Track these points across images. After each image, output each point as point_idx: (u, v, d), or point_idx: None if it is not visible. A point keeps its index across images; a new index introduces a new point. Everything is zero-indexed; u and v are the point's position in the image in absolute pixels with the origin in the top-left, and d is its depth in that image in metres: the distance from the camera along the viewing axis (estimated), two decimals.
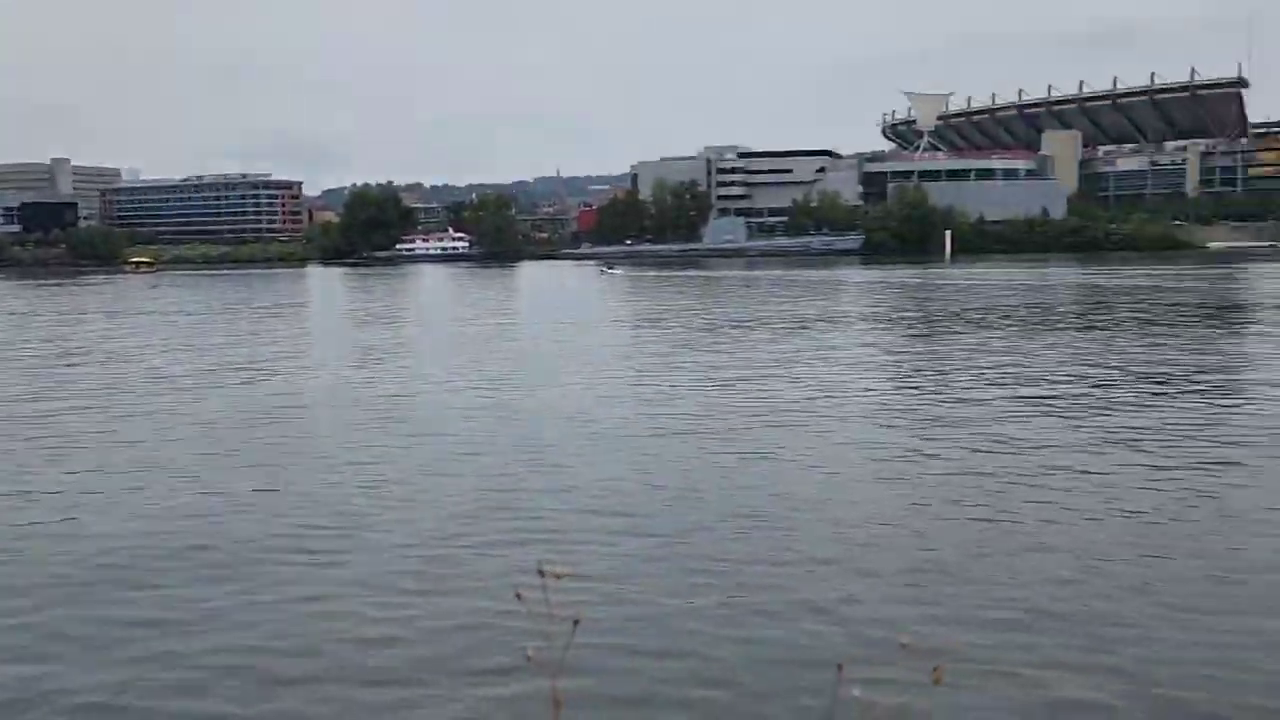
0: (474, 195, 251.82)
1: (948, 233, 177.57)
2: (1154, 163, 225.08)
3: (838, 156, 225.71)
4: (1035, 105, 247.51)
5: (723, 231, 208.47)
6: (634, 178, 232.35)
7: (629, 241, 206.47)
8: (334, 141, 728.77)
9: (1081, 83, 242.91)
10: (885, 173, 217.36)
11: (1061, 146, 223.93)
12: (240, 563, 16.70)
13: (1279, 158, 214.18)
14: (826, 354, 44.04)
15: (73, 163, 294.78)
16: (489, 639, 13.27)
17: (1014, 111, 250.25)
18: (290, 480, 22.23)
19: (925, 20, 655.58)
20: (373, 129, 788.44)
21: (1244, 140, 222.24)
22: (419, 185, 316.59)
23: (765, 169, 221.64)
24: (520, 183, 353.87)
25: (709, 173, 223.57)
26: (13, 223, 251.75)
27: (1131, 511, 18.69)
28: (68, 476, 22.96)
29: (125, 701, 12.08)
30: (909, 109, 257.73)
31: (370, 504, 20.06)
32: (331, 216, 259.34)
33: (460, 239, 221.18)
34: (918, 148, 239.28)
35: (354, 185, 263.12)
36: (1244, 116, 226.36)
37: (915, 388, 34.67)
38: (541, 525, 18.35)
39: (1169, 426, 26.40)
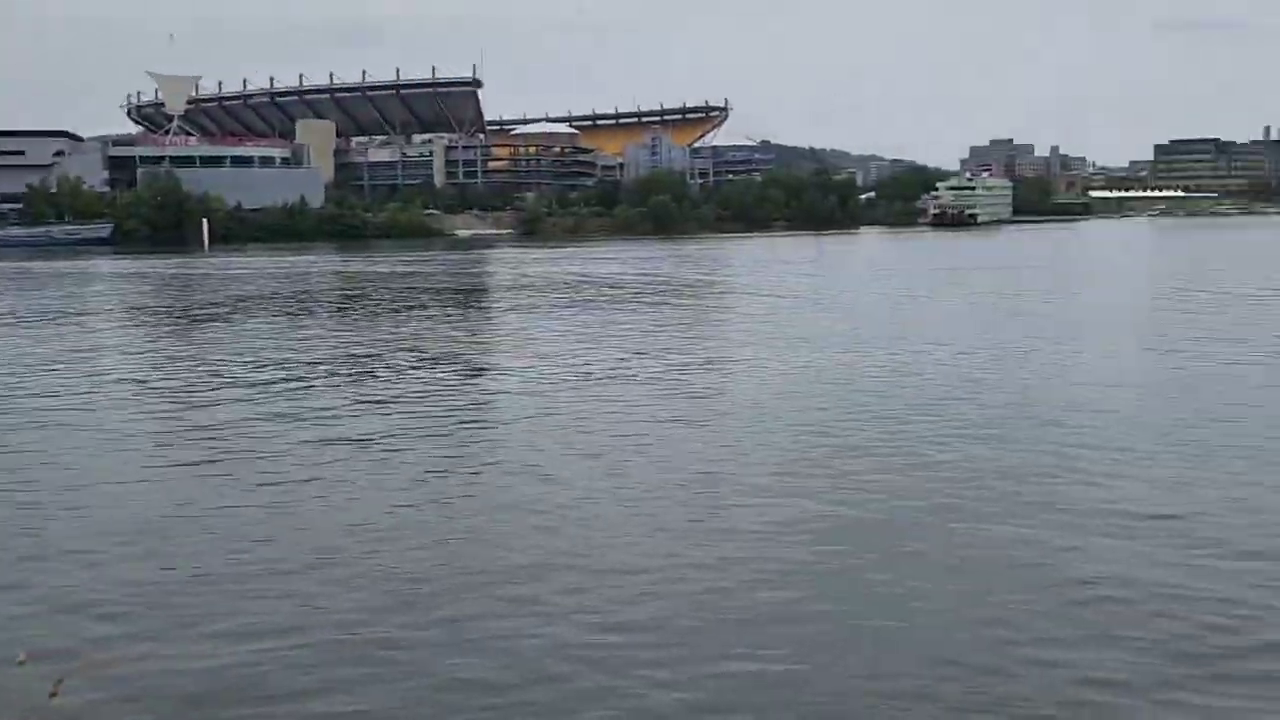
0: None
1: (205, 221, 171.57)
2: (404, 154, 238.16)
3: (79, 139, 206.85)
4: (288, 94, 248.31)
5: None
6: None
7: None
8: None
9: (332, 74, 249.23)
10: (134, 157, 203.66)
11: (316, 136, 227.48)
12: None
13: (511, 154, 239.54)
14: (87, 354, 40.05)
15: None
16: None
17: (267, 99, 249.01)
18: None
19: (170, 2, 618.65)
20: None
21: (481, 136, 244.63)
22: None
23: None
24: None
25: None
26: None
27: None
28: None
29: None
30: (156, 91, 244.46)
31: None
32: None
33: None
34: (168, 132, 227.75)
35: None
36: (480, 114, 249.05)
37: (174, 378, 32.92)
38: None
39: (418, 394, 28.25)
